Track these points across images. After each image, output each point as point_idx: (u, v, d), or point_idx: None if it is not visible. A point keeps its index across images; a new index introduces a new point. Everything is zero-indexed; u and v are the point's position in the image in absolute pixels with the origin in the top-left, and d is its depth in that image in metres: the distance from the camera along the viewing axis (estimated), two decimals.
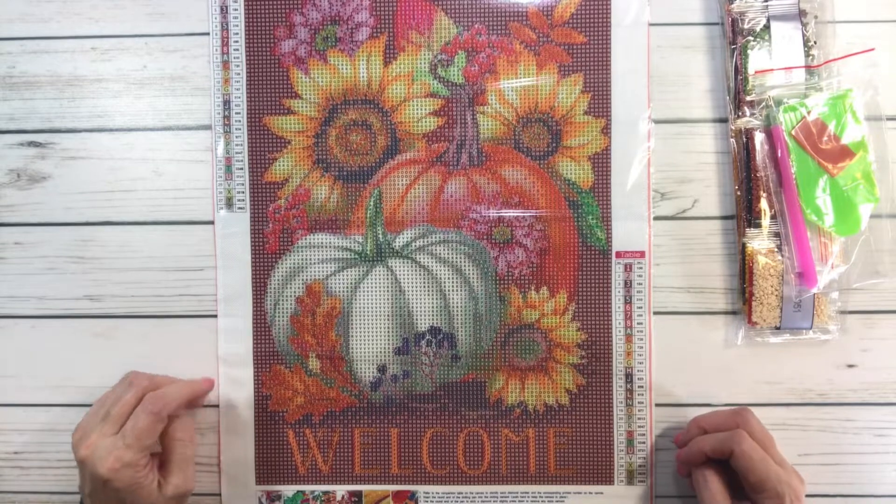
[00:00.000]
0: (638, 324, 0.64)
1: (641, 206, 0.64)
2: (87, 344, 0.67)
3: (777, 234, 0.63)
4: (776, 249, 0.63)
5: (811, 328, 0.63)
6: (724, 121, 0.64)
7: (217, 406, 0.66)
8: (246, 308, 0.66)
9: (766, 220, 0.62)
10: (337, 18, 0.65)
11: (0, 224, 0.67)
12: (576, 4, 0.64)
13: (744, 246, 0.63)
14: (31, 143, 0.66)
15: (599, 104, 0.64)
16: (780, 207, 0.62)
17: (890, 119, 0.63)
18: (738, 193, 0.63)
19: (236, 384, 0.66)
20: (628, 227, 0.64)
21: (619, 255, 0.64)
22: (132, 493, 0.57)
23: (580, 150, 0.64)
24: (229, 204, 0.66)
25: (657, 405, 0.65)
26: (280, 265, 0.66)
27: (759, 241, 0.63)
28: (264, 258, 0.66)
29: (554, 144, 0.64)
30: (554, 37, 0.64)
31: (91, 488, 0.57)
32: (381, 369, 0.66)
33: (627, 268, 0.64)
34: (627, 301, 0.64)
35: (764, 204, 0.62)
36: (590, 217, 0.64)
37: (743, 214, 0.63)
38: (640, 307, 0.64)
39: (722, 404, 0.65)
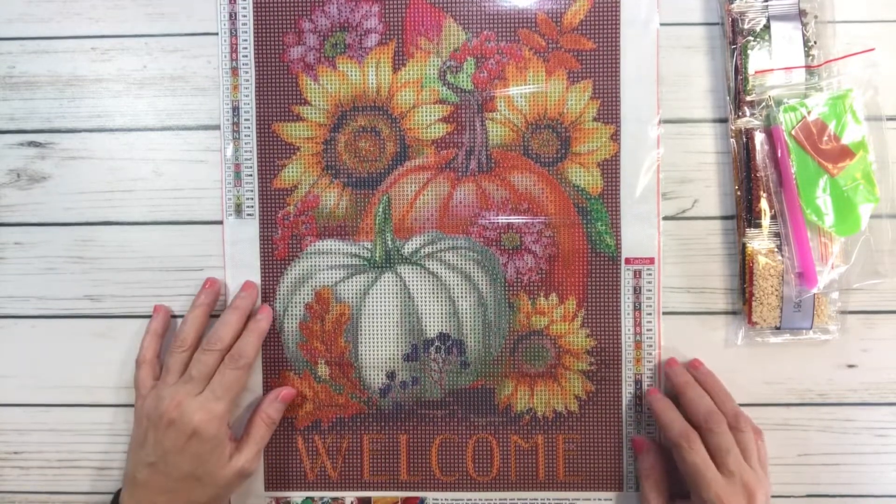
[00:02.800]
0: (647, 330, 0.65)
1: (651, 213, 0.64)
2: (87, 344, 0.67)
3: (777, 234, 0.63)
4: (776, 249, 0.63)
5: (811, 328, 0.63)
6: (724, 121, 0.64)
7: None
8: None
9: (766, 220, 0.63)
10: (346, 25, 0.65)
11: (0, 224, 0.67)
12: (585, 11, 0.64)
13: (744, 246, 0.63)
14: (31, 143, 0.66)
15: (608, 110, 0.64)
16: (780, 207, 0.62)
17: (890, 119, 0.63)
18: (738, 193, 0.64)
19: (245, 390, 0.65)
20: (637, 234, 0.64)
21: (628, 261, 0.65)
22: (211, 450, 0.59)
23: (589, 157, 0.64)
24: (238, 210, 0.65)
25: None
26: (289, 271, 0.65)
27: (759, 241, 0.63)
28: (273, 264, 0.65)
29: (563, 151, 0.64)
30: (563, 43, 0.64)
31: (166, 449, 0.59)
32: (390, 376, 0.66)
33: (637, 274, 0.65)
34: (637, 307, 0.65)
35: (764, 204, 0.63)
36: (599, 223, 0.64)
37: (743, 214, 0.63)
38: (650, 313, 0.65)
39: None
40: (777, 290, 0.63)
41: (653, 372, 0.65)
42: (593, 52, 0.64)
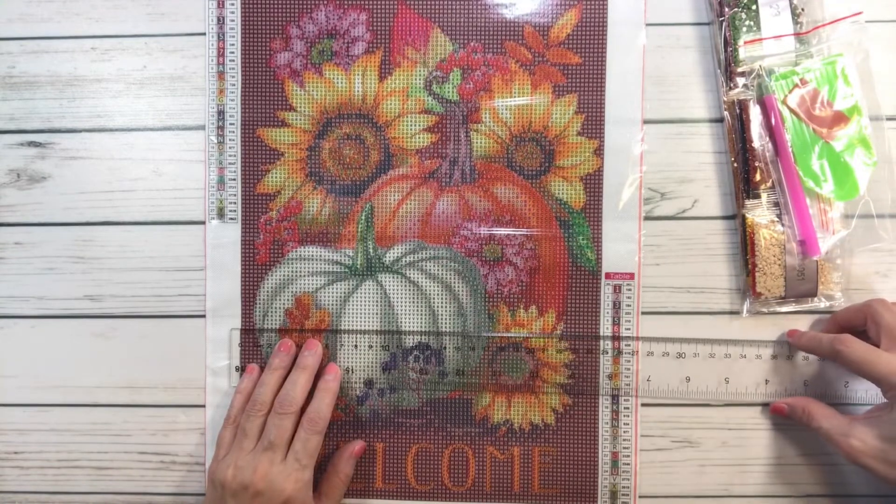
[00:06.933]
0: (626, 345, 0.64)
1: (632, 229, 0.64)
2: (87, 344, 0.67)
3: (776, 204, 0.63)
4: (776, 219, 0.63)
5: (816, 296, 0.63)
6: (723, 120, 0.64)
7: (203, 406, 0.66)
8: (234, 319, 0.66)
9: (764, 191, 0.62)
10: (333, 32, 0.65)
11: (0, 224, 0.67)
12: (572, 25, 0.64)
13: (744, 218, 0.63)
14: (31, 143, 0.67)
15: (593, 125, 0.64)
16: (777, 176, 0.62)
17: (881, 81, 0.63)
18: (735, 165, 0.63)
19: (223, 394, 0.66)
20: (618, 249, 0.64)
21: (608, 276, 0.64)
22: None
23: (572, 171, 0.64)
24: (221, 214, 0.66)
25: (657, 405, 0.65)
26: (270, 277, 0.66)
27: (759, 212, 0.63)
28: (254, 269, 0.66)
29: (546, 164, 0.65)
30: (549, 57, 0.64)
31: None
32: (368, 384, 0.66)
33: (616, 289, 0.64)
34: (616, 322, 0.64)
35: (761, 174, 0.62)
36: (580, 237, 0.64)
37: (741, 186, 0.63)
38: (629, 329, 0.64)
39: (720, 404, 0.65)
40: (779, 259, 0.62)
41: (630, 388, 0.64)
42: (579, 67, 0.64)
